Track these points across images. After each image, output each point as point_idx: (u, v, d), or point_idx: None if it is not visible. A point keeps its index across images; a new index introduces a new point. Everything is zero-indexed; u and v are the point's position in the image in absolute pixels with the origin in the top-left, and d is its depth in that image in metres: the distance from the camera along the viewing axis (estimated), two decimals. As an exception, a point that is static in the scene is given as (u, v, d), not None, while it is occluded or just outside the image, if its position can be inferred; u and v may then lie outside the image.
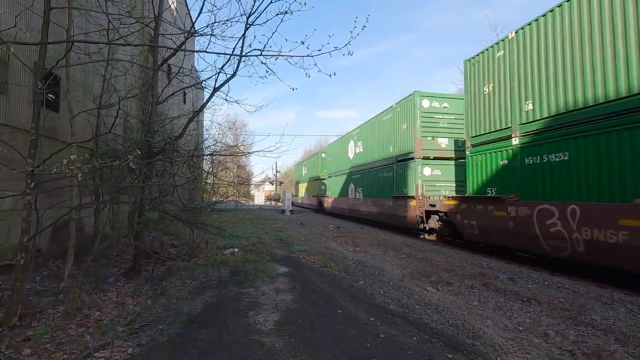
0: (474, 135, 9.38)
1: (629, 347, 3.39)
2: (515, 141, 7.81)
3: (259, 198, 60.31)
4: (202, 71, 8.08)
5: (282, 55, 4.20)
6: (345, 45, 4.12)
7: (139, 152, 4.56)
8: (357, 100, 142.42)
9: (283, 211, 24.84)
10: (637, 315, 4.35)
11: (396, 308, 4.45)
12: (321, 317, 3.99)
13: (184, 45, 5.96)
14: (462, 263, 7.49)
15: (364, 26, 4.01)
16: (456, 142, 12.76)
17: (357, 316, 4.08)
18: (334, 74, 4.24)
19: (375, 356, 3.07)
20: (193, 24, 6.31)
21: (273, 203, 46.45)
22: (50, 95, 4.05)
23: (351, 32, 4.05)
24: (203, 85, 6.67)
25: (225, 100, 6.32)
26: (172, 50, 5.90)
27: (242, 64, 5.25)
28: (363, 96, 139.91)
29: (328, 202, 24.00)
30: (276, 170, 50.36)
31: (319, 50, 3.96)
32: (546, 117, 7.08)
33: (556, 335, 3.69)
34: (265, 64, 4.57)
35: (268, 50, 4.49)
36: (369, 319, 4.00)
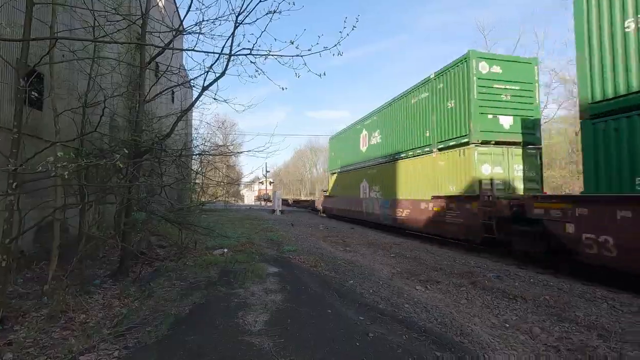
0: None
1: (610, 342, 3.48)
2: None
3: (248, 198, 59.96)
4: (190, 70, 7.98)
5: (272, 55, 4.19)
6: (335, 45, 4.14)
7: (126, 152, 4.49)
8: (348, 101, 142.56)
9: (273, 211, 24.75)
10: (618, 311, 4.47)
11: (386, 307, 4.47)
12: (311, 317, 3.99)
13: (172, 44, 5.90)
14: (450, 262, 7.58)
15: (354, 26, 4.03)
16: None
17: (347, 315, 4.09)
18: (324, 74, 4.25)
19: (365, 355, 3.08)
20: (181, 22, 6.23)
21: (263, 203, 46.26)
22: (34, 93, 3.95)
23: (340, 32, 4.07)
24: (192, 84, 6.61)
25: (214, 99, 6.28)
26: (160, 49, 5.83)
27: (231, 63, 5.22)
28: (354, 97, 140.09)
29: None
30: (266, 170, 50.16)
31: (309, 50, 3.96)
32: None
33: (541, 332, 3.76)
34: (254, 63, 4.56)
35: (257, 50, 4.48)
36: (358, 318, 4.01)
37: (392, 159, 13.87)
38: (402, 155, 13.12)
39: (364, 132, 17.21)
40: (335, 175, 22.09)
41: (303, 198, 46.92)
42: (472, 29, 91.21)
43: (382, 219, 14.41)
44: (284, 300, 4.57)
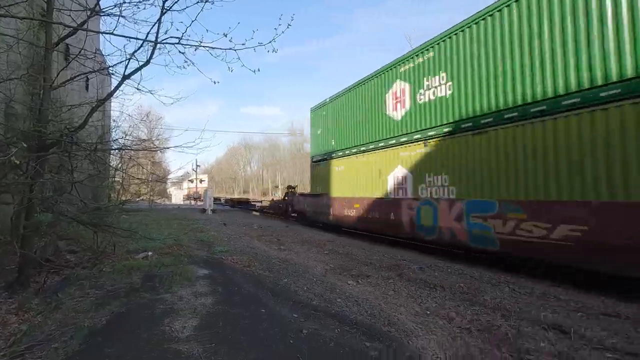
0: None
1: (510, 321, 4.00)
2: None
3: (177, 197, 56.32)
4: (109, 55, 7.11)
5: (203, 46, 3.99)
6: (270, 42, 4.08)
7: (25, 145, 3.89)
8: (284, 98, 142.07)
9: (204, 210, 23.62)
10: (517, 293, 5.17)
11: (319, 303, 4.56)
12: (244, 318, 3.90)
13: (86, 24, 5.27)
14: (380, 256, 8.01)
15: (289, 24, 4.02)
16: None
17: (281, 314, 4.08)
18: (258, 70, 4.17)
19: (299, 352, 3.11)
20: (97, 1, 5.60)
21: (193, 202, 43.89)
22: None
23: (276, 29, 4.03)
24: (110, 72, 5.98)
25: (137, 89, 5.74)
26: (71, 29, 5.17)
27: (157, 52, 4.82)
28: (290, 94, 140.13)
29: None
30: (196, 166, 47.65)
31: (243, 44, 3.85)
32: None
33: (457, 316, 4.18)
34: (183, 53, 4.28)
35: (187, 39, 4.22)
36: (292, 315, 4.03)
37: (494, 122, 7.15)
38: (540, 109, 6.34)
39: (398, 85, 10.11)
40: (326, 162, 14.23)
41: (249, 198, 44.43)
42: (399, 36, 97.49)
43: (468, 241, 7.52)
44: (215, 303, 4.40)
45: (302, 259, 7.57)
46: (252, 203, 31.12)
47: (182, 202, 49.62)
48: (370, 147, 11.33)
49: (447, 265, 7.07)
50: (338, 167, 13.31)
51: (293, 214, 18.41)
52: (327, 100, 14.56)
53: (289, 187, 20.71)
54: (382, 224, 10.47)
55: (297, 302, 4.54)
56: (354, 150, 12.30)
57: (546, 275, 6.12)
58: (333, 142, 13.89)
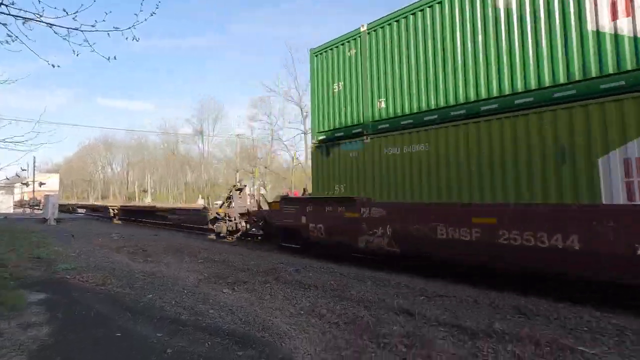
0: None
1: (371, 311, 4.48)
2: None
3: (5, 204, 44.48)
4: None
5: (37, 21, 3.24)
6: (129, 28, 3.60)
7: None
8: (156, 92, 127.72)
9: (45, 220, 19.31)
10: (378, 285, 5.83)
11: (189, 317, 4.22)
12: (93, 347, 3.30)
13: None
14: (257, 261, 7.94)
15: (153, 12, 3.62)
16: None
17: (141, 335, 3.60)
18: (115, 58, 3.63)
19: (161, 375, 2.79)
20: None
21: (29, 210, 35.46)
22: None
23: (137, 15, 3.57)
24: None
25: None
26: None
27: (-32, 17, 3.71)
28: (163, 88, 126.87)
29: None
30: (34, 166, 38.68)
31: (93, 25, 3.28)
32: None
33: (327, 312, 4.44)
34: (5, 25, 3.40)
35: (18, 9, 3.36)
36: (156, 335, 3.61)
37: None
38: None
39: None
40: (360, 141, 7.96)
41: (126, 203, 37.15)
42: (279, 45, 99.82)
43: None
44: (53, 334, 3.60)
45: (173, 271, 6.92)
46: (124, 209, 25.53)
47: (12, 211, 39.53)
48: (524, 101, 5.60)
49: (320, 265, 7.49)
50: (406, 147, 7.05)
51: (255, 232, 12.32)
52: (361, 28, 8.11)
53: (235, 187, 13.75)
54: (617, 265, 4.50)
55: (162, 319, 4.10)
56: (457, 113, 6.37)
57: (400, 268, 7.09)
58: (382, 104, 7.69)
